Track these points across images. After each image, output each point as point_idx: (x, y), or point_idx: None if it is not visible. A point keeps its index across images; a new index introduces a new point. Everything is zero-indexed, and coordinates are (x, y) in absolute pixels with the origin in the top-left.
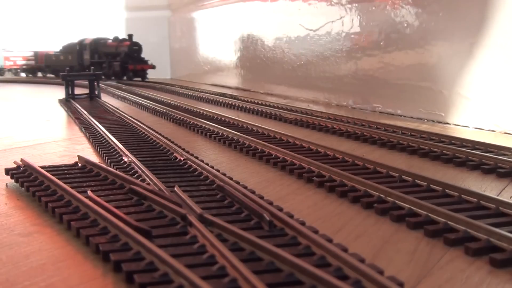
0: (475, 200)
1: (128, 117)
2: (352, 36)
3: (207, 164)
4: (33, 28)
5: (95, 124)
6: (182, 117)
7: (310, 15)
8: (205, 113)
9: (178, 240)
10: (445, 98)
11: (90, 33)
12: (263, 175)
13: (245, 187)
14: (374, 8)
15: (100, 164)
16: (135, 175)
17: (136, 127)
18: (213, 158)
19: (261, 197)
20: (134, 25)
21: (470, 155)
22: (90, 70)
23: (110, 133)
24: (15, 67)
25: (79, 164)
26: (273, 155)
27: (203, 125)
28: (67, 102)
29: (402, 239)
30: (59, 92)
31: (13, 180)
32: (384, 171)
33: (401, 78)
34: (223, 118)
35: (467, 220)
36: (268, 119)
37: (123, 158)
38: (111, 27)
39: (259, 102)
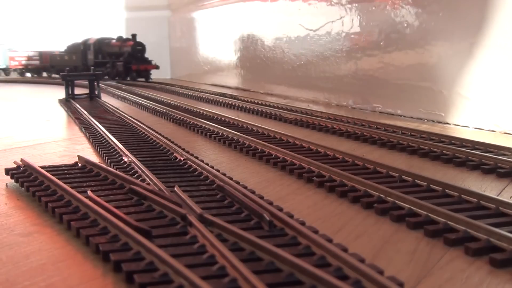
0: (475, 200)
1: (128, 117)
2: (352, 36)
3: (207, 164)
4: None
5: (95, 124)
6: (182, 117)
7: (310, 15)
8: (205, 113)
9: (178, 240)
10: (445, 98)
11: (93, 33)
12: (263, 175)
13: (245, 187)
14: (374, 8)
15: (100, 164)
16: (135, 175)
17: (136, 127)
18: (213, 158)
19: (261, 197)
20: (134, 25)
21: (470, 155)
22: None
23: (110, 133)
24: (20, 67)
25: (79, 164)
26: (273, 155)
27: (203, 125)
28: (67, 102)
29: (402, 239)
30: (59, 92)
31: (13, 180)
32: (384, 171)
33: (401, 78)
34: (223, 118)
35: (467, 220)
36: (268, 119)
37: (123, 158)
38: (111, 27)
39: (259, 102)
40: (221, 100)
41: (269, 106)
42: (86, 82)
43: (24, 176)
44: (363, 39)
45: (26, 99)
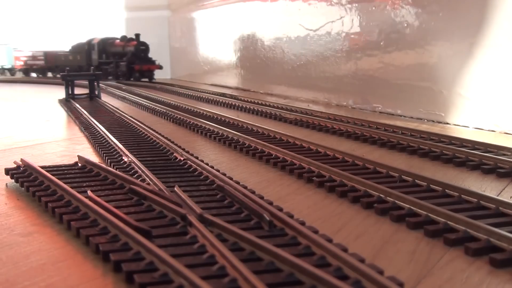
0: (475, 200)
1: (128, 117)
2: (352, 36)
3: (207, 164)
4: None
5: (95, 124)
6: (182, 117)
7: (310, 15)
8: (205, 113)
9: (178, 240)
10: (445, 98)
11: (95, 33)
12: (263, 175)
13: (245, 187)
14: (374, 8)
15: (100, 164)
16: (135, 175)
17: (136, 127)
18: (213, 158)
19: (261, 197)
20: (134, 25)
21: (470, 155)
22: (99, 70)
23: (110, 133)
24: (25, 67)
25: (79, 164)
26: (273, 155)
27: (203, 125)
28: (67, 102)
29: (402, 239)
30: (59, 92)
31: (13, 180)
32: (384, 171)
33: (401, 78)
34: (223, 118)
35: (467, 220)
36: (268, 119)
37: (123, 158)
38: (111, 27)
39: (259, 102)
40: (221, 100)
41: (269, 106)
42: (86, 82)
43: (24, 176)
44: (363, 39)
45: (26, 99)
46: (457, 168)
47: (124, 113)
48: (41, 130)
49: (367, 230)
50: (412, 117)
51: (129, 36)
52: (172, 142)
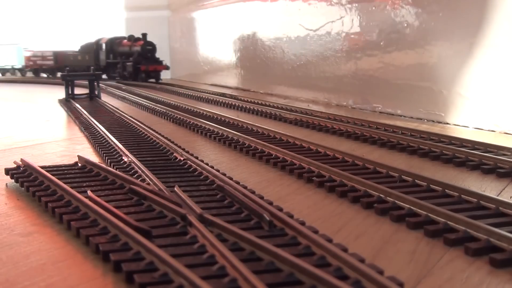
0: (475, 200)
1: (128, 117)
2: (352, 36)
3: (207, 164)
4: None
5: (95, 124)
6: (182, 117)
7: (310, 15)
8: (205, 113)
9: (178, 240)
10: (445, 98)
11: (105, 33)
12: (263, 175)
13: (245, 187)
14: (374, 8)
15: (100, 164)
16: (135, 175)
17: (136, 127)
18: (213, 158)
19: (261, 197)
20: (134, 25)
21: (470, 155)
22: (108, 71)
23: (110, 133)
24: (35, 67)
25: (79, 164)
26: (273, 155)
27: (203, 125)
28: (67, 102)
29: (402, 239)
30: (59, 92)
31: (13, 180)
32: (384, 171)
33: (401, 78)
34: (223, 118)
35: (467, 220)
36: (268, 119)
37: (123, 158)
38: (111, 27)
39: (259, 102)
40: (221, 100)
41: (269, 106)
42: (86, 82)
43: (24, 176)
44: (363, 39)
45: (26, 99)
46: (457, 168)
47: (124, 113)
48: (41, 130)
49: (367, 230)
50: (412, 117)
51: (135, 35)
52: (172, 142)
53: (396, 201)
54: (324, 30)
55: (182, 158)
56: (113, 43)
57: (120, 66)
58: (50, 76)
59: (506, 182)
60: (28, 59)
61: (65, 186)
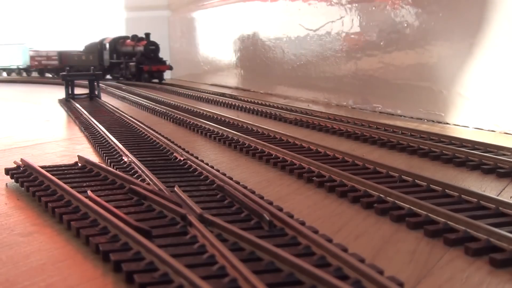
0: (475, 200)
1: (128, 117)
2: (352, 36)
3: (207, 164)
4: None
5: (95, 124)
6: (182, 117)
7: (310, 15)
8: (205, 113)
9: (178, 240)
10: (445, 98)
11: (108, 33)
12: (263, 175)
13: (245, 187)
14: (374, 8)
15: (100, 164)
16: (135, 175)
17: (136, 127)
18: (213, 158)
19: (261, 197)
20: (134, 25)
21: (470, 155)
22: (112, 71)
23: (110, 133)
24: (40, 67)
25: (79, 164)
26: (273, 155)
27: (203, 125)
28: (67, 102)
29: (402, 239)
30: (59, 92)
31: (13, 180)
32: (384, 171)
33: (401, 78)
34: (223, 118)
35: (467, 220)
36: (268, 119)
37: (123, 158)
38: (110, 27)
39: (259, 102)
40: (221, 100)
41: (269, 106)
42: (86, 82)
43: (24, 176)
44: (363, 39)
45: (26, 99)
46: (457, 168)
47: (124, 113)
48: (41, 130)
49: (367, 230)
50: (412, 117)
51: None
52: (172, 142)
53: (396, 201)
54: (324, 30)
55: (182, 158)
56: (116, 43)
57: (123, 66)
58: (55, 76)
59: (506, 182)
60: (33, 59)
61: (65, 186)
